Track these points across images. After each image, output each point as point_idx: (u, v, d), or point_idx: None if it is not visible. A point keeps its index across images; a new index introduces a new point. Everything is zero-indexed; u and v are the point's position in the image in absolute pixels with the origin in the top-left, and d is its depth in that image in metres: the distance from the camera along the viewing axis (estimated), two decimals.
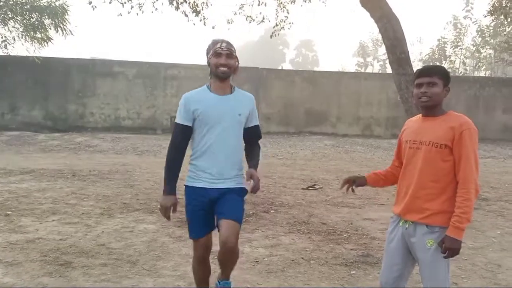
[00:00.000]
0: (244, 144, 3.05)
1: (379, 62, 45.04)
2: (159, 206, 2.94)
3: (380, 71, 41.66)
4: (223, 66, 2.83)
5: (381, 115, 18.27)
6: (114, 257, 4.21)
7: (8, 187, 7.05)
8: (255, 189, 2.82)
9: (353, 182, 2.82)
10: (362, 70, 42.75)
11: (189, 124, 2.89)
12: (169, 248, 4.53)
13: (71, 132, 15.96)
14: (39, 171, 8.56)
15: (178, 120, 2.92)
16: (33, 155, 11.18)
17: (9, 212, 5.56)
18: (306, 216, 5.95)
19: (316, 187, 7.94)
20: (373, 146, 15.43)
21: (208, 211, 2.89)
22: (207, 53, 2.95)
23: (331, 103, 18.05)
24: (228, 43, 2.90)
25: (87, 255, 4.24)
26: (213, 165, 2.86)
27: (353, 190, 2.85)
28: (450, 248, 2.29)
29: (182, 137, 2.91)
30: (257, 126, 3.06)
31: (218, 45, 2.87)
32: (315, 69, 53.32)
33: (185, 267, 3.98)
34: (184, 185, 2.96)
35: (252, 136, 3.04)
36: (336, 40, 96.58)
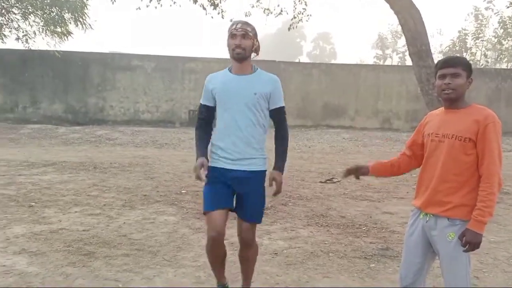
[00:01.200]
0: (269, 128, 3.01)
1: (398, 54, 44.47)
2: (193, 172, 2.88)
3: (400, 64, 41.14)
4: (237, 47, 2.81)
5: (400, 108, 18.07)
6: (135, 248, 4.28)
7: (31, 179, 7.21)
8: (276, 193, 2.87)
9: (356, 171, 2.81)
10: (381, 63, 42.29)
11: (210, 104, 2.93)
12: (189, 239, 4.59)
13: (91, 125, 16.18)
14: (60, 164, 8.72)
15: (201, 100, 3.00)
16: (55, 148, 11.39)
17: (33, 204, 5.70)
18: (324, 209, 5.95)
19: (334, 180, 7.92)
20: (392, 139, 15.29)
21: (227, 187, 2.87)
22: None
23: (349, 96, 17.92)
24: (244, 23, 2.87)
25: (109, 245, 4.32)
26: (229, 145, 2.86)
27: (358, 178, 2.85)
28: (470, 242, 2.27)
29: (204, 116, 2.98)
30: (281, 108, 2.98)
31: (234, 27, 2.85)
32: (333, 62, 52.96)
33: (205, 258, 3.99)
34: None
35: (276, 118, 2.98)
36: (354, 33, 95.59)
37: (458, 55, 26.02)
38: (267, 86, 2.90)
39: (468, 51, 29.32)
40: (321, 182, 7.81)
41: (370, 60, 44.94)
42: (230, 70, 2.95)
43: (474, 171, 2.35)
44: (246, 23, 2.87)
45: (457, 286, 2.37)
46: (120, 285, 3.45)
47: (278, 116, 2.98)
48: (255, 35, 2.91)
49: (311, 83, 17.85)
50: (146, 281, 3.55)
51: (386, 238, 4.83)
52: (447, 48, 31.11)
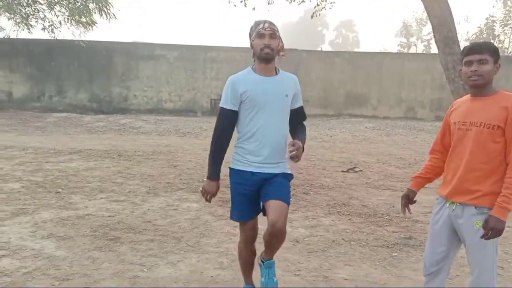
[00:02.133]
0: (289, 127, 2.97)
1: (423, 42, 43.65)
2: (201, 189, 2.89)
3: (424, 52, 40.36)
4: (266, 47, 2.72)
5: (425, 97, 17.77)
6: (160, 234, 4.37)
7: (58, 166, 7.39)
8: (294, 156, 2.63)
9: (408, 200, 2.78)
10: (405, 51, 41.55)
11: (236, 108, 2.80)
12: (212, 226, 4.65)
13: (116, 114, 16.42)
14: (86, 151, 8.91)
15: (224, 104, 2.81)
16: (80, 136, 11.62)
17: (60, 190, 5.85)
18: (346, 198, 5.94)
19: (356, 169, 7.88)
20: (416, 128, 15.07)
21: (254, 195, 2.84)
22: (250, 35, 2.86)
23: (372, 85, 17.70)
24: (270, 23, 2.79)
25: (135, 231, 4.42)
26: (261, 148, 2.79)
27: (413, 203, 2.82)
28: (493, 228, 2.24)
29: (228, 122, 2.83)
30: (301, 107, 2.97)
31: (261, 26, 2.76)
32: (356, 50, 52.25)
33: (227, 244, 4.09)
34: (230, 167, 2.91)
35: (297, 117, 2.95)
36: (378, 20, 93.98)
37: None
38: (292, 87, 2.88)
39: (496, 38, 28.56)
40: (343, 171, 7.78)
41: (394, 49, 44.21)
42: (254, 70, 2.85)
43: (502, 159, 2.31)
44: (272, 23, 2.80)
45: (484, 274, 2.35)
46: (145, 270, 3.53)
47: (299, 115, 2.96)
48: (279, 34, 2.84)
49: (333, 72, 17.68)
50: (170, 266, 3.62)
51: (409, 228, 4.80)
52: (474, 36, 30.36)
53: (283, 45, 2.91)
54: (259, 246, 2.99)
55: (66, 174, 6.80)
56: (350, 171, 7.79)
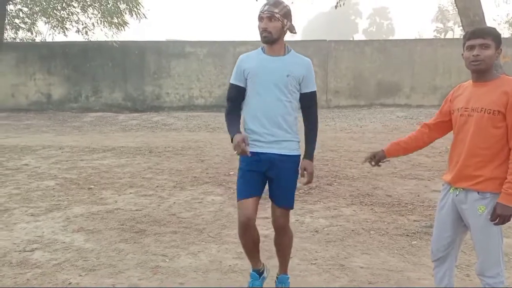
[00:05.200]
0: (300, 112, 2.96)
1: (460, 27, 42.18)
2: (234, 150, 2.72)
3: (461, 37, 39.03)
4: (264, 31, 2.77)
5: (460, 83, 17.23)
6: (183, 226, 4.53)
7: (92, 163, 7.70)
8: (307, 183, 2.92)
9: (372, 159, 2.82)
10: (442, 36, 40.38)
11: (241, 84, 2.89)
12: (234, 217, 4.75)
13: (149, 112, 16.82)
14: (119, 149, 9.22)
15: (232, 80, 2.93)
16: (114, 134, 12.01)
17: (92, 186, 6.12)
18: (370, 189, 5.93)
19: (384, 159, 7.79)
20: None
21: (259, 174, 2.86)
22: None
23: (404, 73, 17.32)
24: (272, 5, 2.77)
25: (159, 223, 4.60)
26: (260, 127, 2.83)
27: (379, 165, 2.85)
28: (501, 215, 2.25)
29: (235, 94, 2.93)
30: (313, 93, 2.92)
31: (261, 8, 2.79)
32: (390, 38, 51.15)
33: None
34: None
35: (307, 103, 2.93)
36: (413, 6, 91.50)
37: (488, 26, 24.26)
38: (301, 69, 2.85)
39: None
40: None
41: (430, 35, 43.03)
42: (263, 50, 2.92)
43: (504, 144, 2.31)
44: (275, 4, 2.77)
45: (489, 258, 2.37)
46: (167, 260, 3.69)
47: (309, 101, 2.93)
48: (286, 14, 2.80)
49: (364, 61, 17.42)
50: (191, 256, 3.77)
51: (431, 216, 4.74)
52: None
53: (291, 24, 2.87)
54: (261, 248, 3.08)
55: (99, 171, 7.09)
56: None
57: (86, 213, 4.95)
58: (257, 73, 2.84)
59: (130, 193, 5.81)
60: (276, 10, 2.77)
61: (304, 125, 2.99)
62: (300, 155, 2.94)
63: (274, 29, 2.78)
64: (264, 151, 2.84)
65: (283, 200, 2.91)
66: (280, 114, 2.84)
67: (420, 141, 2.72)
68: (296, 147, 2.92)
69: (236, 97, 2.94)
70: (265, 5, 2.81)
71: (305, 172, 2.89)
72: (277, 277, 3.13)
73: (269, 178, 2.89)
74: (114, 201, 5.41)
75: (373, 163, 2.84)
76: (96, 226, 4.51)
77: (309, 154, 2.92)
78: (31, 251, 3.87)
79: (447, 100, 2.60)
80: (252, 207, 2.85)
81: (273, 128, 2.83)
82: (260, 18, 2.80)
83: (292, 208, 2.95)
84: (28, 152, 8.81)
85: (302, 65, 2.88)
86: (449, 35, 42.00)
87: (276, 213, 2.94)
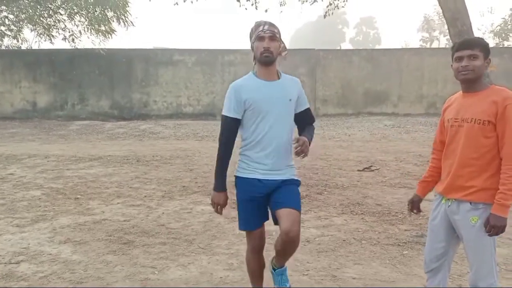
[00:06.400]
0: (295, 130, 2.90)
1: (445, 36, 42.84)
2: (210, 202, 2.87)
3: (447, 46, 39.63)
4: (266, 51, 2.67)
5: (447, 92, 17.36)
6: (172, 236, 4.45)
7: (78, 173, 7.58)
8: (300, 151, 2.59)
9: (413, 207, 2.79)
10: (428, 46, 40.94)
11: (239, 117, 2.74)
12: (224, 228, 4.71)
13: (136, 120, 16.70)
14: (106, 158, 9.11)
15: (227, 112, 2.74)
16: (101, 143, 11.88)
17: (79, 196, 6.01)
18: (360, 198, 5.92)
19: (373, 168, 7.82)
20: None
21: (261, 202, 2.80)
22: (250, 37, 2.81)
23: (391, 82, 17.48)
24: (271, 24, 2.73)
25: (148, 234, 4.52)
26: (267, 155, 2.74)
27: (421, 210, 2.83)
28: (494, 226, 2.25)
29: (232, 131, 2.77)
30: (308, 109, 2.90)
31: (261, 28, 2.70)
32: (377, 47, 51.71)
33: (238, 246, 4.14)
34: (235, 175, 2.86)
35: (305, 120, 2.89)
36: (399, 16, 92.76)
37: (510, 35, 24.70)
38: (295, 90, 2.82)
39: None
40: (359, 170, 7.74)
41: (416, 44, 43.62)
42: (255, 75, 2.80)
43: (495, 154, 2.31)
44: (272, 25, 2.73)
45: (482, 269, 2.36)
46: (156, 272, 3.62)
47: (306, 118, 2.89)
48: (280, 36, 2.78)
49: (352, 70, 17.54)
50: (181, 268, 3.70)
51: (422, 225, 4.76)
52: (498, 27, 29.63)
53: (284, 45, 2.85)
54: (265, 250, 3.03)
55: (86, 181, 6.98)
56: (366, 170, 7.74)
57: (73, 224, 4.85)
58: (261, 102, 2.72)
59: (118, 203, 5.72)
60: (276, 30, 2.73)
61: (300, 132, 2.91)
62: (300, 180, 2.89)
63: (275, 49, 2.72)
64: (266, 178, 2.76)
65: (290, 201, 2.71)
66: (288, 140, 2.78)
67: (441, 168, 2.63)
68: (296, 173, 2.87)
69: (233, 132, 2.78)
70: (263, 24, 2.74)
71: (297, 143, 2.63)
72: (273, 269, 2.92)
73: (272, 194, 2.77)
74: (101, 212, 5.31)
75: (415, 211, 2.82)
76: (83, 237, 4.42)
77: (306, 136, 2.74)
78: (16, 263, 3.77)
79: (443, 112, 2.60)
80: (261, 235, 2.86)
81: (281, 155, 2.77)
82: (261, 38, 2.69)
83: (300, 211, 2.73)
84: (13, 161, 8.65)
85: (294, 86, 2.84)
86: (435, 44, 42.61)
87: (286, 220, 2.60)
